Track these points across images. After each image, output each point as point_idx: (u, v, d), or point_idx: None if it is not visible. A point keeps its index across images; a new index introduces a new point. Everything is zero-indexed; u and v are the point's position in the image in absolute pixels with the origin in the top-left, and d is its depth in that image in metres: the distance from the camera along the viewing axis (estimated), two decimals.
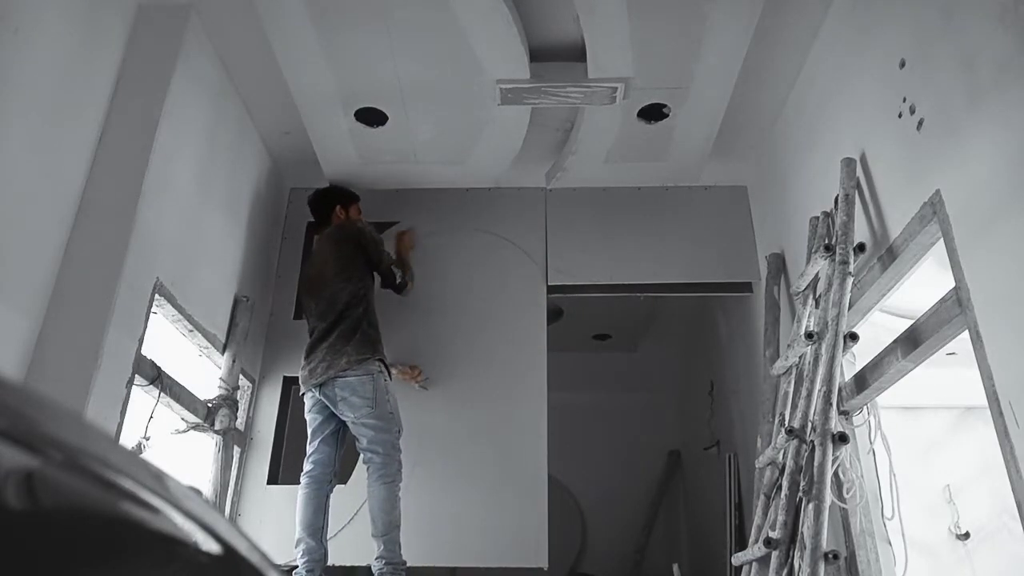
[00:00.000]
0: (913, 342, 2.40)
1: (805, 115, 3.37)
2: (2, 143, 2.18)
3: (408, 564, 3.40)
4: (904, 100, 2.41)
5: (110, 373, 2.47)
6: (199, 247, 3.20)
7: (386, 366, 3.23)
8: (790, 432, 2.61)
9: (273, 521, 3.42)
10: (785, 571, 2.45)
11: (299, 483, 3.13)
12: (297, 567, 2.95)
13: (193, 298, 3.07)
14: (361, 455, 3.12)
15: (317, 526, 3.01)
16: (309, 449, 3.18)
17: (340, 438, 3.20)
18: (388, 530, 2.95)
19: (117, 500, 0.45)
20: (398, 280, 3.58)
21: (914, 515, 2.94)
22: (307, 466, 3.14)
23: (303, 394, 3.26)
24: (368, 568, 3.04)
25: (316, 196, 3.71)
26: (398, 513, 3.00)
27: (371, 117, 3.52)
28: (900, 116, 2.44)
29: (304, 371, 3.21)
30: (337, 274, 3.30)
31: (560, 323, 5.02)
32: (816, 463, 2.40)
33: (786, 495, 2.55)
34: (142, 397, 2.75)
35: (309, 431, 3.22)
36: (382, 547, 2.93)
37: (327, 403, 3.14)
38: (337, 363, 3.10)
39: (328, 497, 3.10)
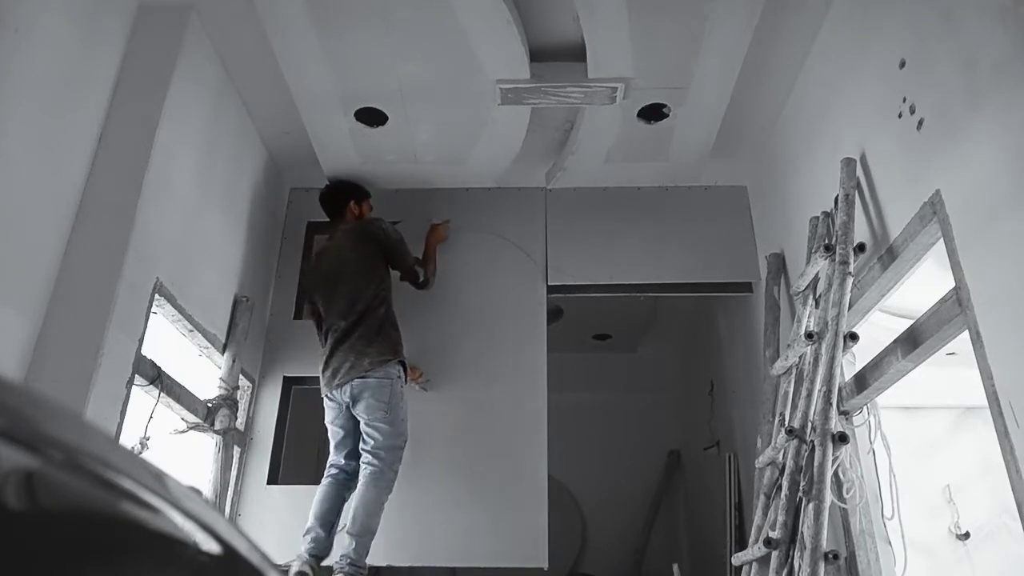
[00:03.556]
0: (913, 342, 2.40)
1: (805, 115, 3.37)
2: (2, 143, 2.18)
3: (409, 564, 3.40)
4: (904, 100, 2.41)
5: (110, 373, 2.47)
6: (199, 247, 3.20)
7: (404, 369, 3.22)
8: (790, 432, 2.61)
9: (273, 521, 3.42)
10: (785, 571, 2.45)
11: (306, 482, 3.12)
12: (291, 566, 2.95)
13: (193, 298, 3.07)
14: (362, 455, 3.10)
15: (329, 520, 3.00)
16: (332, 456, 3.16)
17: None
18: (363, 532, 2.91)
19: (117, 500, 0.45)
20: (420, 279, 3.56)
21: (914, 515, 2.93)
22: (330, 468, 3.13)
23: (325, 397, 3.22)
24: (373, 568, 3.03)
25: (328, 191, 3.69)
26: (378, 521, 2.96)
27: (371, 117, 3.51)
28: (900, 116, 2.43)
29: (326, 372, 3.17)
30: (358, 272, 3.27)
31: (560, 323, 5.02)
32: (816, 463, 2.40)
33: (786, 495, 2.55)
34: (142, 397, 2.75)
35: (332, 442, 3.19)
36: (353, 545, 2.88)
37: (348, 404, 3.10)
38: (360, 364, 3.08)
39: (345, 499, 3.08)
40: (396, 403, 3.08)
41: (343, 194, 3.64)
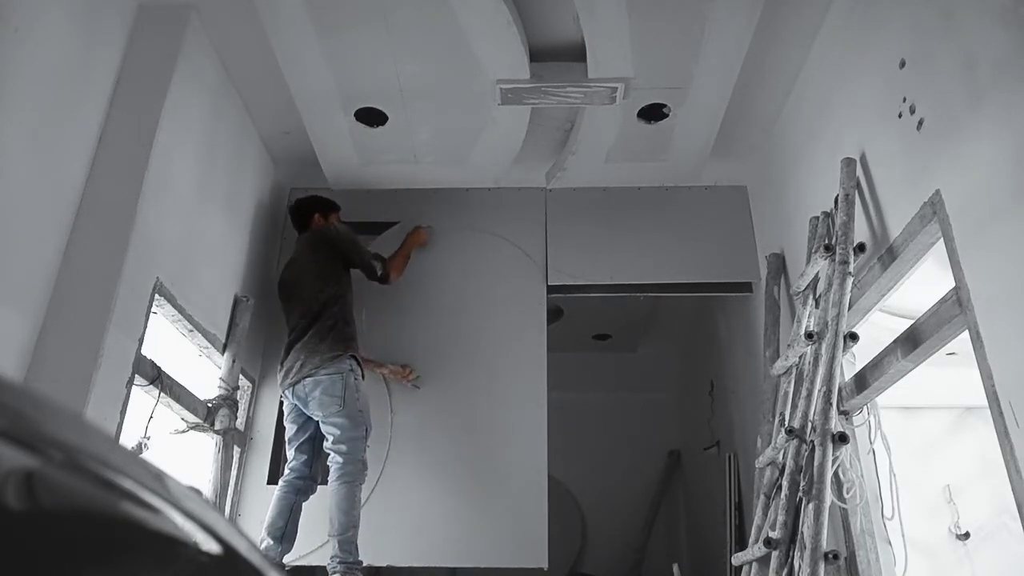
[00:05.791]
0: (913, 342, 2.40)
1: (805, 115, 3.37)
2: (2, 143, 2.18)
3: (408, 565, 3.39)
4: (904, 100, 2.41)
5: (110, 373, 2.47)
6: (199, 247, 3.20)
7: (359, 363, 3.23)
8: (790, 432, 2.61)
9: None
10: (785, 571, 2.45)
11: None
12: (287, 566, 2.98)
13: (193, 298, 3.07)
14: (327, 453, 3.10)
15: (278, 526, 3.03)
16: (288, 455, 3.21)
17: (317, 445, 3.19)
18: (345, 530, 2.93)
19: (117, 500, 0.44)
20: (379, 272, 3.57)
21: (914, 515, 2.94)
22: (285, 471, 3.18)
23: (281, 396, 3.27)
24: (373, 568, 3.03)
25: (295, 205, 3.71)
26: (357, 514, 2.98)
27: (371, 117, 3.52)
28: (900, 116, 2.43)
29: (280, 372, 3.23)
30: (314, 277, 3.32)
31: (560, 323, 5.02)
32: (816, 463, 2.40)
33: (786, 495, 2.55)
34: (142, 397, 2.75)
35: (286, 438, 3.24)
36: (337, 547, 2.92)
37: (299, 404, 3.15)
38: (311, 361, 3.12)
39: (299, 503, 3.10)
40: (351, 395, 3.09)
41: (308, 207, 3.64)
